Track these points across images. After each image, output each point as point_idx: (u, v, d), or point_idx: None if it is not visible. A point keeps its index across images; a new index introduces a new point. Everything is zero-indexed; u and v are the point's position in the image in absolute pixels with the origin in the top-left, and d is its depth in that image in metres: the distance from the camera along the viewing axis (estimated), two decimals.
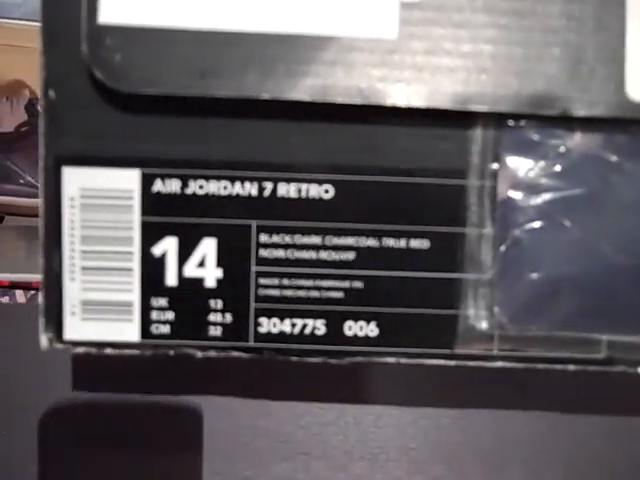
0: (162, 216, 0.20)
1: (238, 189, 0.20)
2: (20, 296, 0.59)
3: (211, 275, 0.20)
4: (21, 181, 0.70)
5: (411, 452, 0.34)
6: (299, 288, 0.20)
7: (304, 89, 0.19)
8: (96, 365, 0.22)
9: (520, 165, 0.20)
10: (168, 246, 0.20)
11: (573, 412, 0.33)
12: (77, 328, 0.20)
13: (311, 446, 0.34)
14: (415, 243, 0.20)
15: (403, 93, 0.19)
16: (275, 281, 0.20)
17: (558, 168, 0.20)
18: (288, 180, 0.20)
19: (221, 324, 0.20)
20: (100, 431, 0.33)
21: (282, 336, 0.20)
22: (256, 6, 0.19)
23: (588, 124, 0.19)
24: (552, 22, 0.19)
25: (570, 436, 0.34)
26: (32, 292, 0.53)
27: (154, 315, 0.20)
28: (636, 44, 0.19)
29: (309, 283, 0.20)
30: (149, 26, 0.19)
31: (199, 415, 0.32)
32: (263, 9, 0.19)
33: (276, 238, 0.20)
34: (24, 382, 0.32)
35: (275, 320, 0.20)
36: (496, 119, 0.19)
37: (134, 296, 0.20)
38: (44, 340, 0.20)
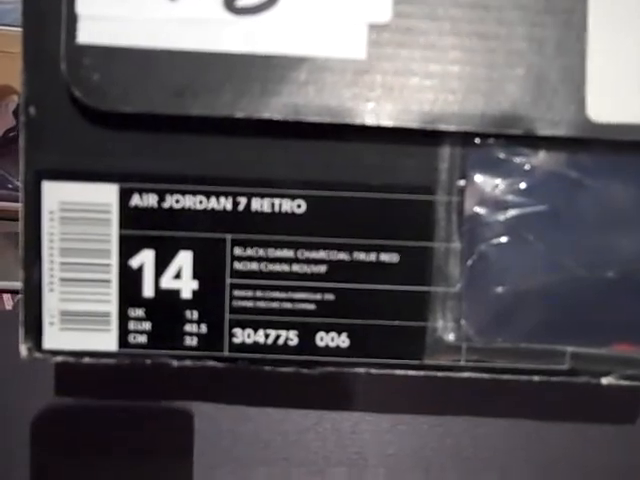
0: (139, 229, 0.21)
1: (213, 204, 0.21)
2: (7, 300, 0.59)
3: (187, 287, 0.21)
4: (9, 186, 0.71)
5: (389, 458, 0.34)
6: (272, 300, 0.21)
7: (277, 108, 0.19)
8: (79, 370, 0.23)
9: (486, 182, 0.20)
10: (145, 258, 0.21)
11: (549, 419, 0.34)
12: (56, 338, 0.21)
13: (290, 452, 0.34)
14: (385, 257, 0.21)
15: (372, 112, 0.19)
16: (249, 293, 0.21)
17: (523, 185, 0.20)
18: (262, 195, 0.21)
19: (197, 334, 0.21)
20: (83, 437, 0.33)
21: (256, 346, 0.21)
22: (231, 27, 0.19)
23: (552, 143, 0.20)
24: (515, 44, 0.20)
25: (546, 442, 0.35)
26: (19, 296, 0.54)
27: (131, 325, 0.21)
28: (596, 66, 0.20)
29: (282, 295, 0.21)
30: (127, 46, 0.19)
31: (189, 420, 0.33)
32: (237, 30, 0.19)
33: (250, 251, 0.21)
34: (7, 387, 0.33)
35: (249, 331, 0.21)
36: (463, 137, 0.20)
37: (112, 307, 0.21)
38: (23, 349, 0.21)
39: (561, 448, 0.34)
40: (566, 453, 0.34)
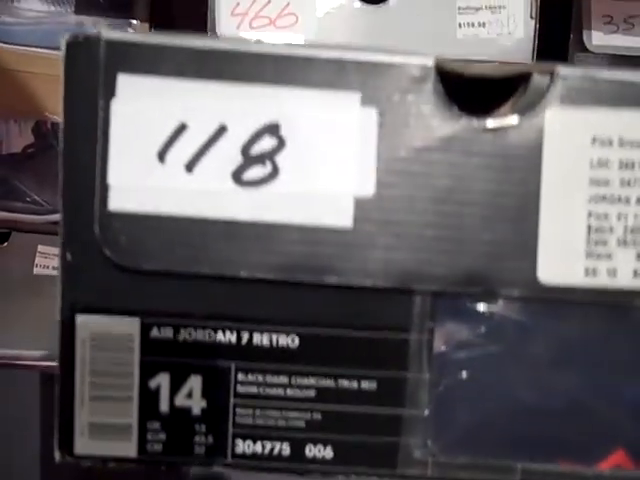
0: (157, 356, 0.24)
1: (220, 337, 0.24)
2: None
3: (197, 405, 0.25)
4: (27, 199, 0.75)
5: None
6: (269, 418, 0.25)
7: (275, 269, 0.23)
8: None
9: (452, 325, 0.24)
10: (162, 380, 0.25)
11: None
12: (85, 446, 0.25)
13: None
14: (365, 384, 0.25)
15: (356, 273, 0.23)
16: (250, 411, 0.25)
17: (483, 329, 0.24)
18: (262, 331, 0.24)
19: (204, 444, 0.25)
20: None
21: (254, 455, 0.25)
22: (237, 197, 0.23)
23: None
24: (482, 211, 0.23)
25: None
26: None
27: (149, 436, 0.25)
28: (547, 234, 0.23)
29: (277, 414, 0.25)
30: (150, 213, 0.23)
31: None
32: (243, 200, 0.23)
33: (251, 377, 0.25)
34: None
35: (249, 442, 0.25)
36: (433, 290, 0.24)
37: (133, 420, 0.25)
38: (57, 455, 0.25)
39: None
40: None
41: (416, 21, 0.44)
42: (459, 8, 0.46)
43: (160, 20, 0.58)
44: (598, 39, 0.50)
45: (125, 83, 0.22)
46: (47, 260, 0.68)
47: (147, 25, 0.59)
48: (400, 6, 0.45)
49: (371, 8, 0.44)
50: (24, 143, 0.73)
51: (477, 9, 0.47)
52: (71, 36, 0.22)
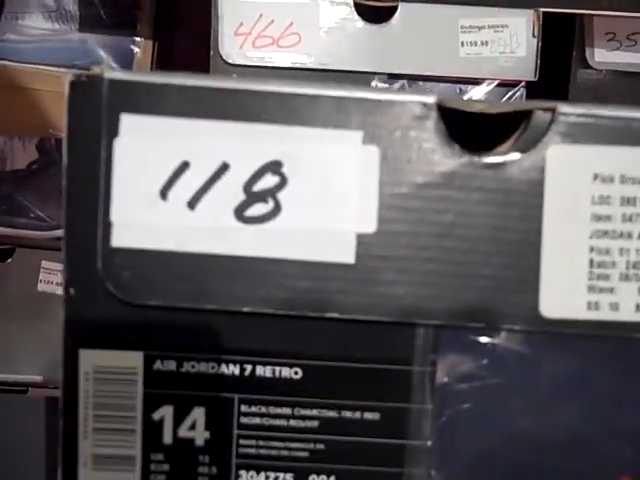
0: (160, 389, 0.25)
1: (224, 369, 0.25)
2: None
3: (200, 436, 0.25)
4: (31, 215, 0.75)
5: None
6: (272, 448, 0.25)
7: (277, 304, 0.23)
8: None
9: (455, 357, 0.24)
10: (165, 412, 0.25)
11: None
12: (88, 477, 0.25)
13: None
14: (368, 415, 0.25)
15: (357, 307, 0.23)
16: (253, 442, 0.25)
17: (485, 361, 0.24)
18: (264, 363, 0.25)
19: (208, 475, 0.25)
20: None
21: None
22: (240, 234, 0.23)
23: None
24: (483, 246, 0.24)
25: None
26: None
27: (152, 467, 0.25)
28: (549, 268, 0.23)
29: (280, 444, 0.25)
30: (153, 249, 0.23)
31: None
32: (245, 236, 0.23)
33: (254, 409, 0.25)
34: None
35: (252, 473, 0.25)
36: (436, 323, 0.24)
37: (136, 452, 0.25)
38: None
39: None
40: None
41: (419, 40, 0.45)
42: (462, 27, 0.46)
43: (163, 38, 0.58)
44: (601, 56, 0.50)
45: (128, 122, 0.23)
46: (51, 276, 0.68)
47: (150, 43, 0.59)
48: (403, 25, 0.45)
49: (374, 27, 0.44)
50: (28, 160, 0.74)
51: (480, 28, 0.47)
52: (75, 75, 0.23)
